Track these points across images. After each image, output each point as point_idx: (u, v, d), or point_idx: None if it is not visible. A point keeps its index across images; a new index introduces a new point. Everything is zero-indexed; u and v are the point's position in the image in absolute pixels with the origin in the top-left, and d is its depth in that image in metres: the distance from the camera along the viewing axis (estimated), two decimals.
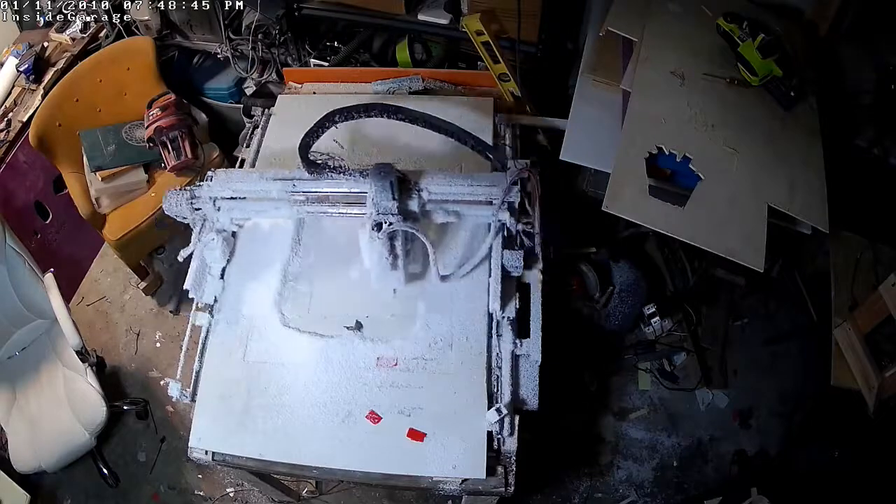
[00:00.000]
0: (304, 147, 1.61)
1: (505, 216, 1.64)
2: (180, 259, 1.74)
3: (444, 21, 2.37)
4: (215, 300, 1.74)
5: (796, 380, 2.59)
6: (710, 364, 2.64)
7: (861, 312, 2.07)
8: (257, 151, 2.10)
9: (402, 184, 1.58)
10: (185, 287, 1.70)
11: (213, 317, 1.71)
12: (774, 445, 2.48)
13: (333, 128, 1.60)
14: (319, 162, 1.62)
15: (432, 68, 2.49)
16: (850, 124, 2.19)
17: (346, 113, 1.57)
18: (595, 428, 2.55)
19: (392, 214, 1.55)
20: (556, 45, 2.44)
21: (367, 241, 1.59)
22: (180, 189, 1.74)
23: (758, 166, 1.84)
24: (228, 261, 1.78)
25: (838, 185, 1.87)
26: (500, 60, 2.19)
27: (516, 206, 1.66)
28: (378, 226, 1.55)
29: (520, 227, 1.65)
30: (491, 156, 1.74)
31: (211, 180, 1.75)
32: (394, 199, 1.54)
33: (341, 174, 1.62)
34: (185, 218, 1.76)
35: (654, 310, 2.66)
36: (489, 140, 2.03)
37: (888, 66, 2.10)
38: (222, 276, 1.77)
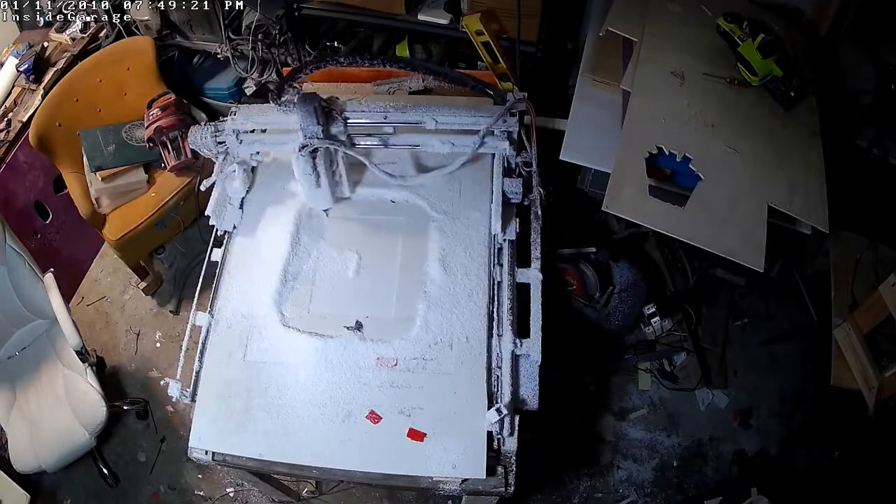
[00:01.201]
0: (291, 76, 1.75)
1: (504, 145, 1.76)
2: (203, 188, 1.88)
3: (444, 21, 2.37)
4: (234, 227, 1.85)
5: (796, 380, 2.59)
6: (710, 364, 2.64)
7: (861, 312, 2.07)
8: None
9: (326, 111, 1.69)
10: (206, 213, 1.81)
11: (212, 318, 1.71)
12: (774, 445, 2.48)
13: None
14: (289, 95, 1.73)
15: None
16: (850, 124, 2.19)
17: (351, 58, 1.78)
18: (595, 428, 2.55)
19: (317, 138, 1.68)
20: (556, 45, 2.45)
21: (294, 162, 1.71)
22: (204, 124, 1.87)
23: (758, 166, 1.84)
24: (248, 192, 1.90)
25: (838, 185, 1.87)
26: (500, 60, 2.19)
27: (514, 135, 1.77)
28: (303, 147, 1.68)
29: (518, 159, 1.77)
30: (491, 92, 1.85)
31: (234, 114, 1.87)
32: (318, 123, 1.66)
33: (286, 106, 1.72)
34: (208, 151, 1.88)
35: (654, 310, 2.66)
36: None
37: (888, 66, 2.10)
38: (241, 206, 1.88)
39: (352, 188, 1.85)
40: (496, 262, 1.73)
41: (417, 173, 1.85)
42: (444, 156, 1.81)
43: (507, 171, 1.82)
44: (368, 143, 1.85)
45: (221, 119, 1.88)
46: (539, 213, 1.76)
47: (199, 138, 1.86)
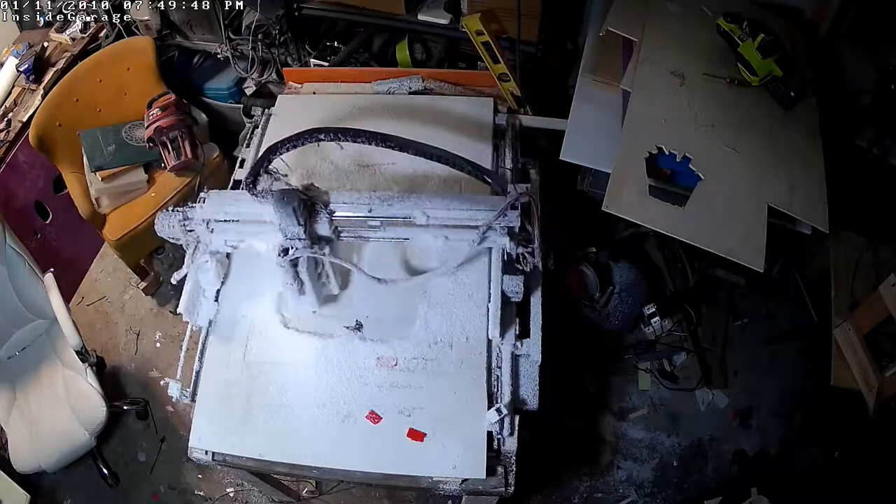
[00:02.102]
0: (264, 160, 1.50)
1: (505, 241, 1.58)
2: (173, 282, 1.68)
3: (444, 21, 2.37)
4: (210, 324, 1.70)
5: (796, 380, 2.59)
6: (710, 364, 2.64)
7: (861, 312, 2.07)
8: (257, 152, 2.10)
9: (309, 207, 1.51)
10: (178, 311, 1.66)
11: (212, 319, 1.71)
12: (774, 445, 2.48)
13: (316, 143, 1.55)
14: (260, 184, 1.52)
15: (432, 68, 2.49)
16: (850, 124, 2.18)
17: (332, 133, 1.50)
18: (595, 428, 2.55)
19: (299, 239, 1.51)
20: (556, 45, 2.44)
21: (276, 266, 1.55)
22: (172, 210, 1.67)
23: (758, 166, 1.84)
24: (223, 283, 1.74)
25: (838, 185, 1.87)
26: (500, 60, 2.19)
27: (516, 230, 1.59)
28: (285, 251, 1.51)
29: (520, 250, 1.59)
30: (490, 180, 1.67)
31: (204, 202, 1.66)
32: (300, 224, 1.48)
33: (264, 197, 1.52)
34: (177, 239, 1.70)
35: (654, 310, 2.66)
36: (489, 140, 2.03)
37: (888, 66, 2.10)
38: (217, 299, 1.72)
39: (340, 284, 1.69)
40: (497, 365, 1.60)
41: (407, 274, 1.70)
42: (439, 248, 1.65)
43: (507, 266, 1.63)
44: (354, 236, 1.64)
45: (190, 205, 1.67)
46: (540, 294, 1.67)
47: (167, 226, 1.65)
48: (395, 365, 1.60)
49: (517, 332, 1.62)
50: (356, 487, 2.41)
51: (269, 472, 1.76)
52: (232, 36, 2.71)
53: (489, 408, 1.53)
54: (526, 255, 1.58)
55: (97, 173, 2.50)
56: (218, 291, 1.73)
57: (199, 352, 1.67)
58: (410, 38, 2.58)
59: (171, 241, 1.71)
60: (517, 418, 1.55)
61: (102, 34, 2.80)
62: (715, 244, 1.72)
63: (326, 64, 2.66)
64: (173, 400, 1.63)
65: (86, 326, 2.80)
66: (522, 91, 2.23)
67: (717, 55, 2.04)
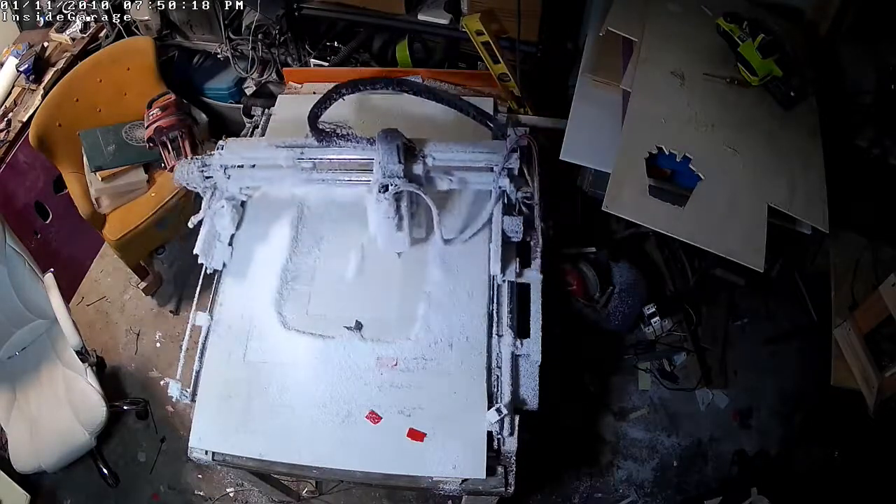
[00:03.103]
0: (314, 117, 1.67)
1: (505, 182, 1.70)
2: (191, 225, 1.78)
3: (444, 21, 2.37)
4: (223, 266, 1.79)
5: (796, 380, 2.59)
6: (710, 364, 2.64)
7: (861, 312, 2.07)
8: None
9: (407, 149, 1.63)
10: (194, 252, 1.74)
11: (212, 319, 1.71)
12: (774, 445, 2.48)
13: (341, 100, 1.68)
14: (328, 130, 1.68)
15: (432, 68, 2.49)
16: (850, 124, 2.18)
17: (354, 86, 1.66)
18: (595, 428, 2.55)
19: (398, 177, 1.60)
20: (556, 45, 2.44)
21: (373, 203, 1.63)
22: (192, 159, 1.80)
23: (758, 166, 1.84)
24: (237, 229, 1.84)
25: (838, 185, 1.87)
26: (500, 60, 2.19)
27: (515, 172, 1.72)
28: (385, 188, 1.60)
29: (519, 195, 1.72)
30: (491, 124, 1.80)
31: (222, 149, 1.79)
32: (400, 162, 1.59)
33: (348, 141, 1.68)
34: (195, 186, 1.81)
35: (654, 310, 2.66)
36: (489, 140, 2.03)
37: (888, 66, 2.10)
38: (231, 244, 1.82)
39: (426, 229, 1.77)
40: (495, 300, 1.68)
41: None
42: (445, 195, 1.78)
43: (507, 209, 1.76)
44: (445, 185, 1.75)
45: (209, 153, 1.81)
46: (539, 250, 1.72)
47: (186, 174, 1.78)
48: (395, 365, 1.60)
49: (517, 332, 1.62)
50: (356, 487, 2.41)
51: (269, 472, 1.77)
52: (232, 36, 2.71)
53: (489, 408, 1.53)
54: (524, 200, 1.72)
55: (97, 173, 2.50)
56: (232, 236, 1.83)
57: (199, 352, 1.68)
58: (410, 38, 2.58)
59: (189, 187, 1.82)
60: (517, 418, 1.55)
61: (102, 34, 2.80)
62: (715, 244, 1.72)
63: (326, 64, 2.66)
64: (173, 400, 1.64)
65: (86, 326, 2.80)
66: (522, 91, 2.23)
67: (717, 55, 2.04)
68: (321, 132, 1.67)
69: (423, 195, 1.62)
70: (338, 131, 1.68)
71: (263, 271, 1.77)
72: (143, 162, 2.58)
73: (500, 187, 1.72)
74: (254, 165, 1.80)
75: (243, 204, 1.89)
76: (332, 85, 2.29)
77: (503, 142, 1.72)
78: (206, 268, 1.78)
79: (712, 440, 2.51)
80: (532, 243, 1.74)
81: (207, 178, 1.79)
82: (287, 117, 2.17)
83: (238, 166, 1.80)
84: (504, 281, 1.69)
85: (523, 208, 1.75)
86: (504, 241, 1.70)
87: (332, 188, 1.82)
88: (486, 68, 2.24)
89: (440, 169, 1.71)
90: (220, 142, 1.82)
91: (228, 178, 1.79)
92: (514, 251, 1.73)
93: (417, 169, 1.65)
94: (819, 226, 1.80)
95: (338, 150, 1.71)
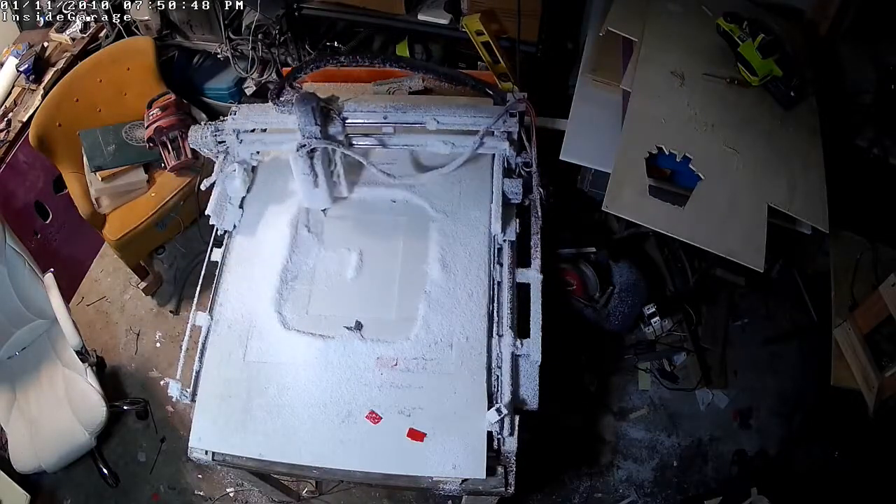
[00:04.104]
0: (292, 75, 1.75)
1: (504, 146, 1.76)
2: (203, 187, 1.87)
3: (444, 21, 2.37)
4: (234, 227, 1.85)
5: (796, 380, 2.59)
6: (710, 364, 2.64)
7: (861, 312, 2.07)
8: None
9: (324, 111, 1.70)
10: (206, 213, 1.80)
11: (212, 319, 1.71)
12: (774, 445, 2.48)
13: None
14: (288, 96, 1.73)
15: None
16: (850, 124, 2.18)
17: (351, 57, 1.78)
18: (595, 428, 2.55)
19: (315, 138, 1.69)
20: (556, 45, 2.45)
21: (293, 163, 1.71)
22: (205, 123, 1.88)
23: (758, 166, 1.84)
24: (248, 192, 1.90)
25: (838, 185, 1.87)
26: (500, 60, 2.19)
27: (514, 136, 1.78)
28: (303, 147, 1.69)
29: (518, 159, 1.77)
30: (491, 92, 1.85)
31: (234, 115, 1.88)
32: (316, 123, 1.67)
33: (284, 106, 1.74)
34: (209, 150, 1.89)
35: (654, 310, 2.66)
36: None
37: (888, 66, 2.10)
38: (241, 206, 1.88)
39: (350, 188, 1.86)
40: (496, 261, 1.73)
41: (417, 173, 1.86)
42: (443, 156, 1.81)
43: (507, 172, 1.82)
44: (366, 143, 1.86)
45: (222, 119, 1.88)
46: (539, 213, 1.76)
47: (200, 138, 1.87)
48: (395, 365, 1.60)
49: (517, 332, 1.63)
50: (356, 487, 2.41)
51: (269, 472, 1.76)
52: (232, 36, 2.71)
53: (489, 408, 1.52)
54: (523, 165, 1.78)
55: (97, 173, 2.50)
56: (243, 199, 1.89)
57: (199, 352, 1.67)
58: (410, 38, 2.58)
59: (203, 151, 1.90)
60: (517, 418, 1.55)
61: (102, 34, 2.80)
62: (715, 244, 1.72)
63: None
64: (173, 400, 1.63)
65: (86, 326, 2.80)
66: (522, 91, 2.23)
67: (717, 55, 2.04)
68: (279, 95, 1.74)
69: (338, 150, 1.70)
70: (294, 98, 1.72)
71: (264, 271, 1.77)
72: (143, 162, 2.58)
73: (501, 152, 1.78)
74: (265, 129, 1.89)
75: (254, 169, 1.95)
76: (333, 85, 2.35)
77: (502, 107, 1.78)
78: (216, 229, 1.84)
79: (712, 440, 2.51)
80: (532, 240, 1.75)
81: (220, 142, 1.87)
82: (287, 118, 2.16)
83: (250, 130, 1.88)
84: (505, 241, 1.73)
85: (522, 172, 1.80)
86: (504, 202, 1.75)
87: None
88: (486, 68, 2.24)
89: (442, 132, 1.76)
90: (233, 107, 1.91)
91: (240, 142, 1.87)
92: (514, 213, 1.78)
93: (334, 129, 1.73)
94: (819, 226, 1.80)
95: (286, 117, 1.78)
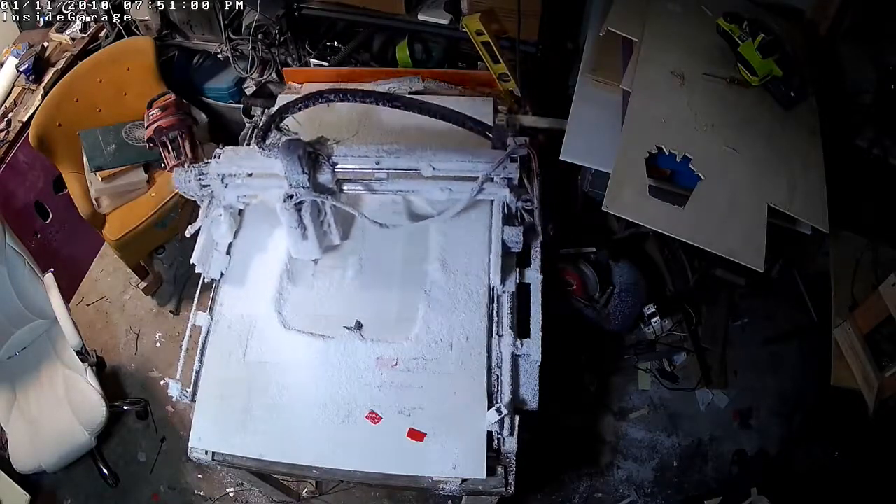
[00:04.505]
0: (276, 118, 1.65)
1: (504, 192, 1.68)
2: (188, 234, 1.76)
3: (444, 21, 2.37)
4: (221, 275, 1.78)
5: (796, 380, 2.59)
6: (710, 364, 2.64)
7: (861, 312, 2.07)
8: None
9: (313, 158, 1.61)
10: (191, 262, 1.73)
11: (212, 319, 1.71)
12: (774, 445, 2.48)
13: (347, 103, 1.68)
14: (268, 140, 1.65)
15: (432, 68, 2.49)
16: (850, 124, 2.18)
17: (342, 93, 1.65)
18: (595, 428, 2.55)
19: (303, 187, 1.60)
20: (556, 45, 2.44)
21: (279, 213, 1.64)
22: (189, 166, 1.77)
23: (758, 166, 1.84)
24: (235, 237, 1.82)
25: (838, 185, 1.87)
26: (500, 60, 2.19)
27: (515, 182, 1.69)
28: (290, 197, 1.61)
29: (519, 203, 1.69)
30: (489, 134, 1.77)
31: (219, 157, 1.77)
32: (304, 172, 1.58)
33: (270, 151, 1.64)
34: (193, 195, 1.79)
35: (654, 310, 2.66)
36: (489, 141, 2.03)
37: (888, 66, 2.10)
38: (228, 252, 1.80)
39: (342, 235, 1.77)
40: (495, 300, 1.67)
41: (411, 220, 1.78)
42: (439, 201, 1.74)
43: (507, 218, 1.74)
44: (358, 188, 1.75)
45: (206, 161, 1.78)
46: (539, 255, 1.71)
47: (183, 181, 1.76)
48: (395, 365, 1.60)
49: (517, 332, 1.62)
50: (356, 487, 2.41)
51: (269, 472, 1.77)
52: (232, 36, 2.71)
53: (489, 408, 1.53)
54: (524, 208, 1.68)
55: (97, 173, 2.50)
56: (230, 245, 1.81)
57: (199, 352, 1.68)
58: (410, 38, 2.57)
59: (186, 195, 1.80)
60: (517, 418, 1.55)
61: (102, 34, 2.80)
62: (715, 244, 1.72)
63: (326, 64, 2.66)
64: (173, 400, 1.64)
65: (86, 326, 2.80)
66: (522, 91, 2.23)
67: (717, 55, 2.04)
68: (264, 138, 1.64)
69: (328, 202, 1.60)
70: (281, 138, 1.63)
71: (263, 271, 1.77)
72: (143, 162, 2.58)
73: (500, 198, 1.70)
74: (251, 174, 1.77)
75: (241, 212, 1.87)
76: (332, 85, 2.34)
77: (503, 151, 1.69)
78: (202, 278, 1.77)
79: (712, 440, 2.51)
80: (532, 246, 1.73)
81: (204, 186, 1.77)
82: (287, 119, 2.16)
83: (235, 175, 1.77)
84: (504, 292, 1.68)
85: (524, 215, 1.72)
86: (504, 251, 1.68)
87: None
88: (486, 68, 2.24)
89: (439, 179, 1.66)
90: (217, 149, 1.79)
91: (226, 186, 1.77)
92: (515, 260, 1.71)
93: (324, 177, 1.63)
94: (819, 226, 1.80)
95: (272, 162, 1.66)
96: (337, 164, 1.65)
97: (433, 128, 1.94)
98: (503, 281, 1.66)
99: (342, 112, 2.00)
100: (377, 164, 1.66)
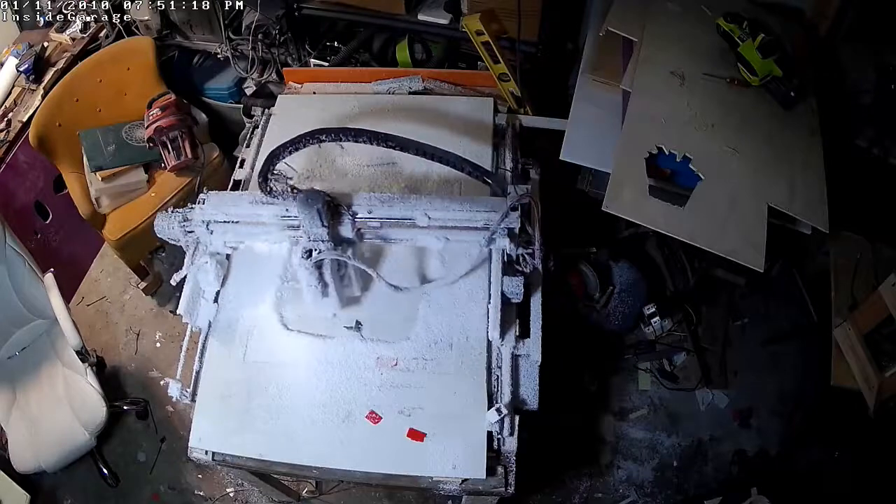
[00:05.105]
0: (270, 160, 1.50)
1: (504, 242, 1.58)
2: (173, 283, 1.67)
3: (444, 21, 2.38)
4: (209, 325, 1.69)
5: (796, 380, 2.59)
6: (710, 364, 2.64)
7: (861, 312, 2.07)
8: (257, 152, 2.10)
9: (333, 209, 1.52)
10: (178, 312, 1.66)
11: (212, 319, 1.71)
12: (774, 445, 2.48)
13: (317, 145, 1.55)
14: (277, 186, 1.53)
15: (432, 68, 2.49)
16: (850, 124, 2.18)
17: (334, 133, 1.52)
18: (595, 428, 2.55)
19: (322, 241, 1.52)
20: (556, 45, 2.44)
21: (298, 269, 1.55)
22: (172, 211, 1.67)
23: (758, 166, 1.84)
24: (222, 284, 1.73)
25: (838, 185, 1.87)
26: (500, 60, 2.19)
27: (516, 231, 1.59)
28: (309, 252, 1.51)
29: (520, 251, 1.59)
30: (490, 181, 1.65)
31: (203, 203, 1.66)
32: (324, 225, 1.49)
33: (284, 198, 1.54)
34: (177, 241, 1.69)
35: (654, 310, 2.66)
36: (489, 140, 2.03)
37: (888, 66, 2.10)
38: (216, 300, 1.71)
39: (362, 287, 1.67)
40: (497, 365, 1.59)
41: (417, 276, 1.70)
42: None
43: (507, 268, 1.62)
44: (375, 239, 1.64)
45: (189, 206, 1.67)
46: (540, 294, 1.65)
47: (167, 227, 1.66)
48: (395, 365, 1.60)
49: (517, 333, 1.62)
50: (356, 487, 2.41)
51: (269, 472, 1.76)
52: (232, 36, 2.71)
53: (489, 408, 1.52)
54: (526, 256, 1.58)
55: (97, 173, 2.50)
56: (217, 293, 1.72)
57: (199, 352, 1.67)
58: (410, 38, 2.58)
59: (170, 242, 1.71)
60: (517, 418, 1.55)
61: (102, 34, 2.80)
62: (715, 244, 1.72)
63: (326, 64, 2.66)
64: (173, 400, 1.63)
65: (86, 326, 2.80)
66: (522, 91, 2.23)
67: (717, 55, 2.04)
68: (267, 185, 1.52)
69: (349, 261, 1.52)
70: (285, 188, 1.52)
71: (263, 272, 1.77)
72: (143, 162, 2.58)
73: (500, 248, 1.60)
74: (237, 221, 1.67)
75: (229, 257, 1.76)
76: (332, 85, 2.35)
77: (503, 199, 1.58)
78: (189, 328, 1.69)
79: (712, 440, 2.51)
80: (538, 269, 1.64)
81: (189, 232, 1.67)
82: (287, 118, 2.16)
83: (221, 222, 1.67)
84: (503, 346, 1.60)
85: (526, 261, 1.60)
86: (504, 301, 1.58)
87: None
88: (486, 68, 2.24)
89: (438, 228, 1.58)
90: (202, 195, 1.68)
91: (211, 232, 1.67)
92: (515, 311, 1.63)
93: (345, 230, 1.55)
94: (819, 226, 1.80)
95: (280, 208, 1.59)
96: (357, 213, 1.56)
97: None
98: (503, 335, 1.57)
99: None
100: (369, 213, 1.57)
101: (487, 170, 1.72)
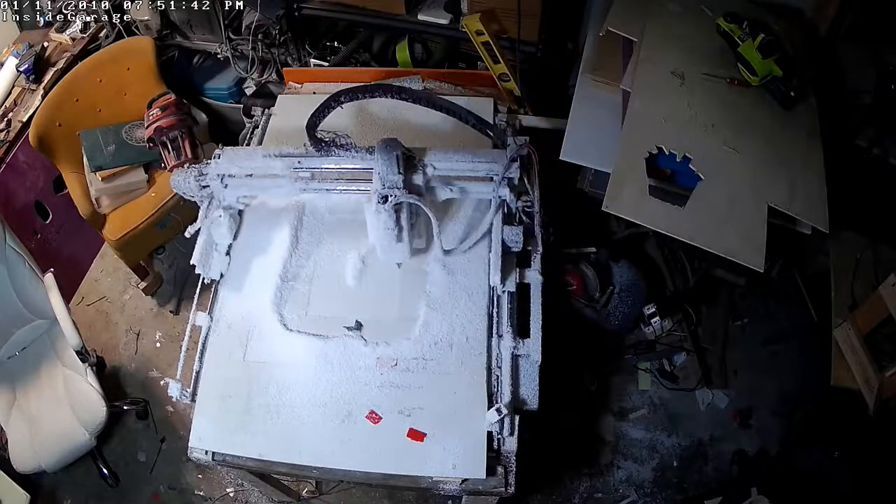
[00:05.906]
0: (312, 126, 1.65)
1: (505, 192, 1.68)
2: (188, 235, 1.75)
3: (444, 21, 2.38)
4: (221, 276, 1.77)
5: (796, 380, 2.59)
6: (710, 364, 2.64)
7: (861, 312, 2.07)
8: None
9: (407, 159, 1.61)
10: (191, 262, 1.73)
11: (212, 319, 1.71)
12: (774, 445, 2.48)
13: (339, 108, 1.68)
14: (326, 140, 1.65)
15: (432, 68, 2.49)
16: (850, 124, 2.18)
17: (352, 93, 1.66)
18: (595, 428, 2.55)
19: (397, 188, 1.57)
20: (556, 45, 2.45)
21: (372, 214, 1.61)
22: (188, 166, 1.77)
23: (758, 166, 1.84)
24: (235, 238, 1.82)
25: (838, 185, 1.87)
26: (500, 60, 2.19)
27: (515, 182, 1.69)
28: (384, 199, 1.56)
29: (519, 204, 1.69)
30: (491, 133, 1.77)
31: (219, 158, 1.76)
32: (399, 172, 1.57)
33: (347, 150, 1.65)
34: (192, 196, 1.78)
35: (654, 310, 2.66)
36: (488, 141, 2.02)
37: (888, 66, 2.10)
38: (228, 253, 1.80)
39: (426, 239, 1.75)
40: (495, 310, 1.67)
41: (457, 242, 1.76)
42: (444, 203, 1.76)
43: (507, 218, 1.73)
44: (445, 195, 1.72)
45: (205, 162, 1.78)
46: (540, 259, 1.70)
47: (183, 182, 1.76)
48: (395, 365, 1.60)
49: (517, 332, 1.62)
50: (356, 487, 2.41)
51: (269, 472, 1.76)
52: (232, 36, 2.71)
53: (489, 408, 1.53)
54: (525, 208, 1.68)
55: (97, 173, 2.50)
56: (230, 245, 1.80)
57: (199, 352, 1.68)
58: (410, 38, 2.58)
59: (186, 196, 1.79)
60: (517, 418, 1.55)
61: (102, 34, 2.80)
62: (715, 244, 1.72)
63: (326, 64, 2.66)
64: (173, 400, 1.63)
65: (86, 326, 2.80)
66: (522, 91, 2.23)
67: (717, 55, 2.04)
68: (319, 141, 1.65)
69: (423, 206, 1.59)
70: (337, 140, 1.65)
71: (263, 272, 1.77)
72: (143, 162, 2.58)
73: (500, 197, 1.69)
74: (251, 174, 1.76)
75: (241, 213, 1.86)
76: (332, 85, 2.35)
77: (503, 151, 1.69)
78: (202, 279, 1.76)
79: (712, 440, 2.51)
80: (531, 249, 1.72)
81: (204, 187, 1.76)
82: (287, 118, 2.16)
83: (235, 175, 1.76)
84: (504, 292, 1.67)
85: (523, 217, 1.71)
86: (504, 250, 1.67)
87: (331, 195, 1.80)
88: (486, 68, 2.24)
89: (440, 179, 1.68)
90: (217, 150, 1.78)
91: (225, 187, 1.76)
92: (514, 260, 1.71)
93: (417, 179, 1.63)
94: (819, 226, 1.80)
95: (336, 159, 1.68)
96: (428, 164, 1.64)
97: (424, 125, 1.99)
98: (503, 280, 1.65)
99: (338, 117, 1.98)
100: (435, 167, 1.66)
101: (489, 123, 1.85)
